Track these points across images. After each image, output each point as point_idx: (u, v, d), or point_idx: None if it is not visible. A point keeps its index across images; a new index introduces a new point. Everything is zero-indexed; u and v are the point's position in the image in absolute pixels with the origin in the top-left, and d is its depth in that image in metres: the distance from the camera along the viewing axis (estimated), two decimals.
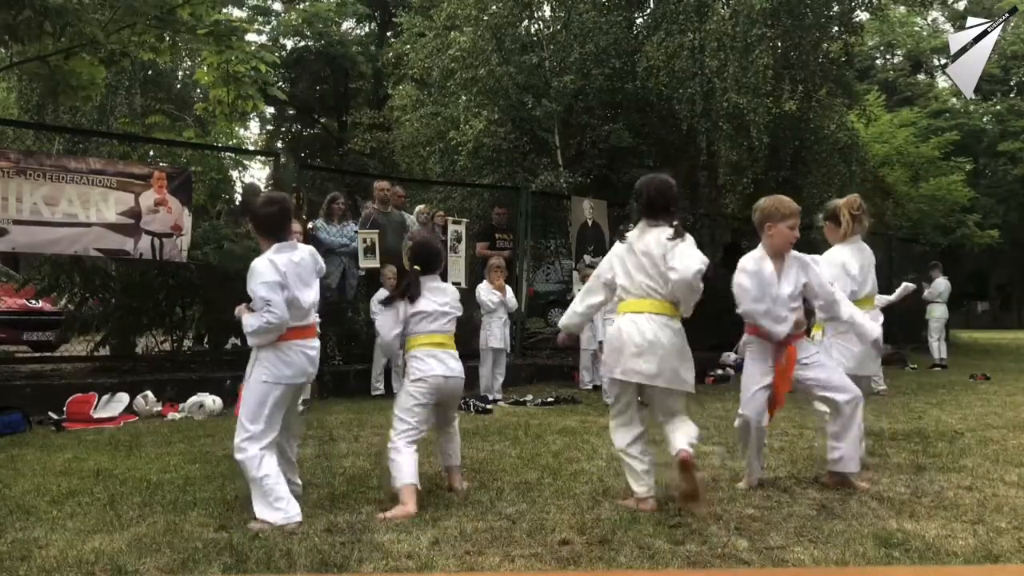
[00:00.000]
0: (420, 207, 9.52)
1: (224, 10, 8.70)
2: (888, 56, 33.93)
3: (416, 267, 4.03)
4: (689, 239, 3.68)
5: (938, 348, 12.48)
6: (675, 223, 3.69)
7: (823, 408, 4.22)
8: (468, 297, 8.98)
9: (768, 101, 9.77)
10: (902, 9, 23.10)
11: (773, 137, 10.32)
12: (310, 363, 3.64)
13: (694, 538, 3.18)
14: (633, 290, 3.71)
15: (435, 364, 3.89)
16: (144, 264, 7.46)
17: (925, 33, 33.06)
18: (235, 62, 7.90)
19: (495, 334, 8.07)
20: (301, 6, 23.64)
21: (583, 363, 8.94)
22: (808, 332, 4.27)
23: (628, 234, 3.85)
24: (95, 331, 8.02)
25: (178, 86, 23.29)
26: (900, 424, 6.29)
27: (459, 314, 4.14)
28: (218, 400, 6.85)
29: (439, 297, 4.03)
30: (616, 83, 11.11)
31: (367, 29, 26.28)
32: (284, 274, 3.52)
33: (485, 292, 8.17)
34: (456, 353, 4.03)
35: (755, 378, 4.02)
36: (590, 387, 8.67)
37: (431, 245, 4.27)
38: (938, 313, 12.59)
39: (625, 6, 11.58)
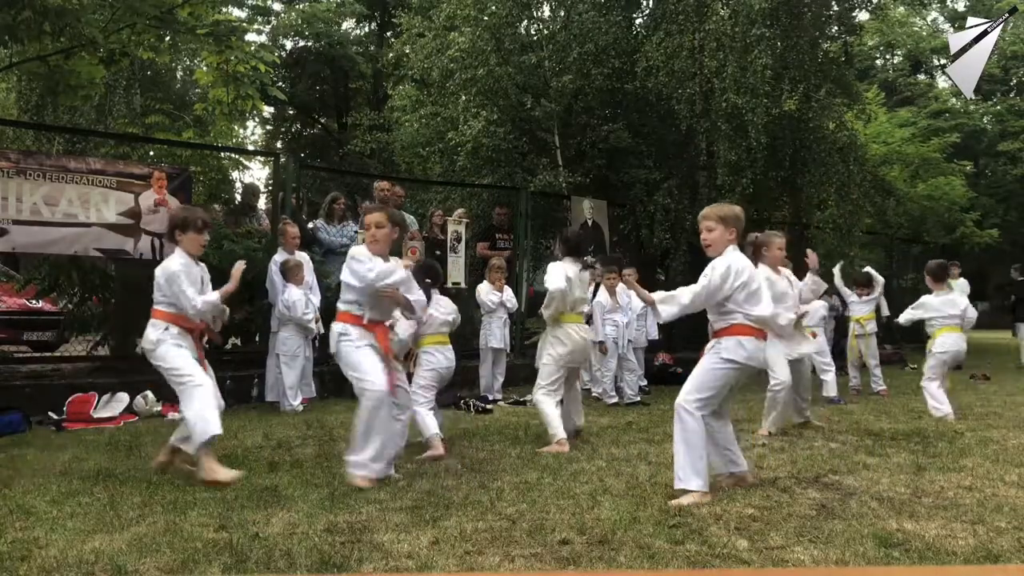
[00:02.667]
0: (460, 211, 9.58)
1: (224, 10, 8.71)
2: (888, 56, 33.92)
3: (427, 281, 5.14)
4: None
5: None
6: (585, 259, 5.65)
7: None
8: (468, 297, 8.99)
9: (767, 101, 9.76)
10: (902, 9, 23.10)
11: (772, 137, 10.31)
12: None
13: (694, 538, 3.18)
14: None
15: (441, 358, 5.38)
16: (144, 264, 7.46)
17: (925, 33, 33.04)
18: (235, 62, 7.91)
19: (495, 334, 8.07)
20: (301, 6, 23.63)
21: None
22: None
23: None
24: (95, 331, 8.01)
25: (178, 86, 23.25)
26: (900, 424, 6.29)
27: (457, 320, 5.62)
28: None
29: (444, 307, 5.47)
30: (615, 83, 11.10)
31: (367, 29, 26.27)
32: None
33: (485, 292, 8.17)
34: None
35: None
36: (589, 387, 8.66)
37: (436, 267, 5.68)
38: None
39: (625, 6, 11.55)
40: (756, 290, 4.05)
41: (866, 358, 8.84)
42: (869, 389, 8.69)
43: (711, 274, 4.00)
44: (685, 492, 3.78)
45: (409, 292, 4.45)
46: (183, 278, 4.34)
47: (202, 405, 4.23)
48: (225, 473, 4.13)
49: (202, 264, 4.63)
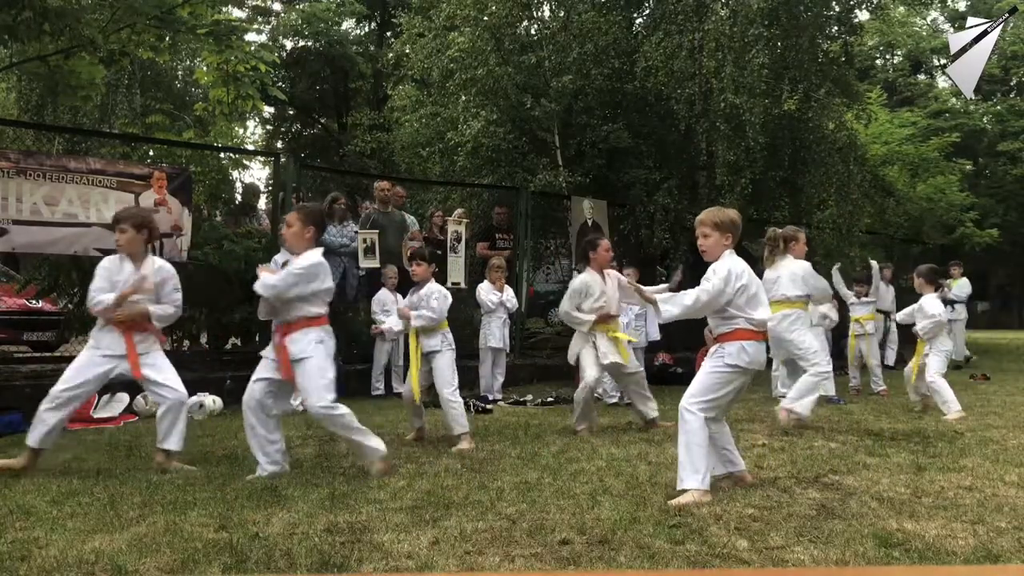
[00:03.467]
0: (459, 211, 9.61)
1: (224, 9, 8.70)
2: (888, 56, 33.93)
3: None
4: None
5: (963, 346, 12.63)
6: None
7: None
8: (468, 297, 9.00)
9: (767, 101, 9.75)
10: (902, 9, 23.07)
11: (772, 137, 10.30)
12: None
13: (694, 538, 3.18)
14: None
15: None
16: None
17: (925, 33, 33.05)
18: (235, 62, 7.91)
19: (494, 334, 8.07)
20: (301, 6, 23.62)
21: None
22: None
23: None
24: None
25: (178, 86, 23.25)
26: (900, 424, 6.30)
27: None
28: (218, 400, 6.85)
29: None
30: (615, 83, 11.09)
31: (366, 29, 26.26)
32: None
33: (485, 292, 8.18)
34: None
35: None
36: None
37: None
38: (964, 314, 12.72)
39: (624, 6, 11.55)
40: (755, 293, 4.07)
41: (867, 358, 8.84)
42: (869, 389, 8.69)
43: (713, 278, 4.02)
44: (685, 492, 3.79)
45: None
46: (98, 274, 4.62)
47: (48, 415, 4.47)
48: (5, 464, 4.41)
49: (133, 265, 4.65)
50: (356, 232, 8.60)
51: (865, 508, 3.65)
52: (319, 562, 2.91)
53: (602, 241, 6.07)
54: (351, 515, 3.51)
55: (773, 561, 2.94)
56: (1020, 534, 3.25)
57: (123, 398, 6.68)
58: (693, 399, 3.97)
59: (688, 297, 4.09)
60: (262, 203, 10.04)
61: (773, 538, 3.19)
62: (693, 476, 3.82)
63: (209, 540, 3.13)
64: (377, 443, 4.38)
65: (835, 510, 3.62)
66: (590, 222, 10.45)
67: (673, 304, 4.15)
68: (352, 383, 8.03)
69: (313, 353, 4.29)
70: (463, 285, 9.15)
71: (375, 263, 8.36)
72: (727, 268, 4.01)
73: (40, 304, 9.46)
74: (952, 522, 3.41)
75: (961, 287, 12.71)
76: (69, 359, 7.88)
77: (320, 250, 4.48)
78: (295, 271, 4.33)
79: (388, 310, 8.02)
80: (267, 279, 4.33)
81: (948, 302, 12.28)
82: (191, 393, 6.81)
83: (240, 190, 9.66)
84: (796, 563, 2.92)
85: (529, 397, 7.95)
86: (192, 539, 3.15)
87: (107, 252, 7.08)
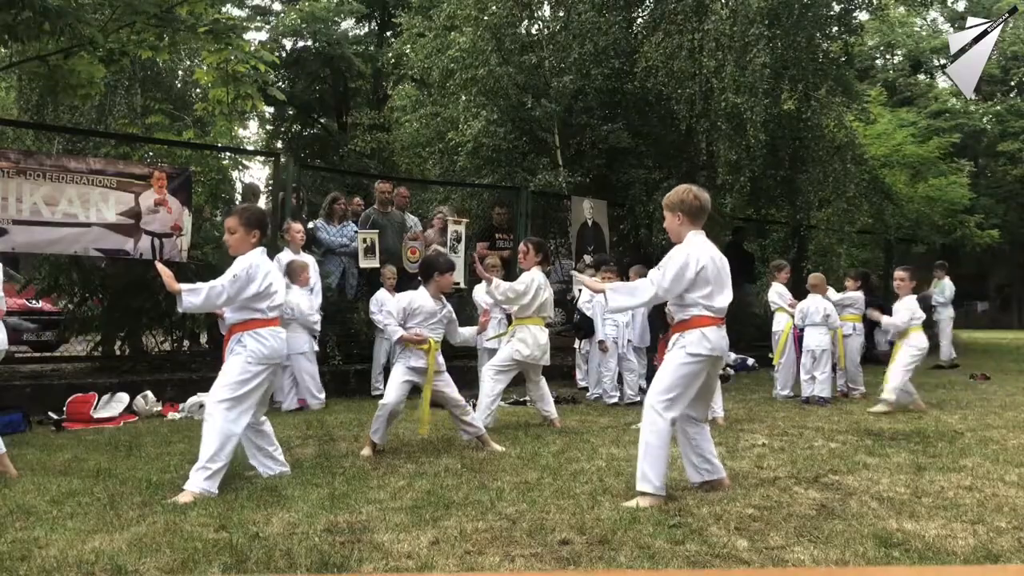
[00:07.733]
0: (443, 208, 9.62)
1: (223, 9, 8.71)
2: (888, 56, 33.92)
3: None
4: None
5: (949, 349, 12.58)
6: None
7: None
8: (469, 297, 8.98)
9: (768, 100, 9.75)
10: (902, 9, 23.06)
11: (772, 136, 10.30)
12: None
13: (694, 538, 3.18)
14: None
15: None
16: (144, 264, 7.46)
17: (925, 33, 33.04)
18: (234, 62, 7.91)
19: (486, 333, 8.05)
20: (300, 5, 23.62)
21: (579, 362, 8.94)
22: None
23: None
24: (95, 331, 8.02)
25: (178, 85, 23.23)
26: (900, 424, 6.30)
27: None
28: None
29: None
30: (615, 83, 11.09)
31: (366, 29, 26.26)
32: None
33: (479, 293, 8.17)
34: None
35: None
36: (586, 386, 8.64)
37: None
38: (948, 314, 12.70)
39: (624, 6, 11.55)
40: (716, 279, 3.89)
41: (845, 360, 8.70)
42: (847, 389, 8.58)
43: (668, 265, 3.82)
44: (644, 495, 3.72)
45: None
46: None
47: None
48: None
49: None
50: (356, 232, 8.60)
51: (865, 508, 3.65)
52: (319, 562, 2.91)
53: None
54: (351, 515, 3.51)
55: (773, 561, 2.94)
56: (1020, 534, 3.25)
57: (123, 398, 6.67)
58: (660, 396, 3.80)
59: (639, 289, 3.91)
60: (262, 203, 10.03)
61: (773, 538, 3.20)
62: (650, 481, 3.71)
63: (209, 540, 3.13)
64: (212, 484, 3.91)
65: (835, 510, 3.62)
66: (590, 222, 10.46)
67: (622, 293, 3.98)
68: (352, 383, 8.04)
69: (234, 354, 4.11)
70: (462, 285, 9.14)
71: (375, 263, 8.36)
72: (685, 253, 3.84)
73: (40, 304, 9.46)
74: (952, 522, 3.41)
75: (942, 289, 12.79)
76: (69, 359, 7.95)
77: (259, 251, 4.20)
78: (224, 279, 4.06)
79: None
80: (190, 299, 4.01)
81: (929, 305, 12.34)
82: (191, 393, 6.86)
83: (240, 190, 9.66)
84: (796, 563, 2.92)
85: (528, 397, 7.93)
86: (192, 539, 3.15)
87: (107, 252, 7.14)
